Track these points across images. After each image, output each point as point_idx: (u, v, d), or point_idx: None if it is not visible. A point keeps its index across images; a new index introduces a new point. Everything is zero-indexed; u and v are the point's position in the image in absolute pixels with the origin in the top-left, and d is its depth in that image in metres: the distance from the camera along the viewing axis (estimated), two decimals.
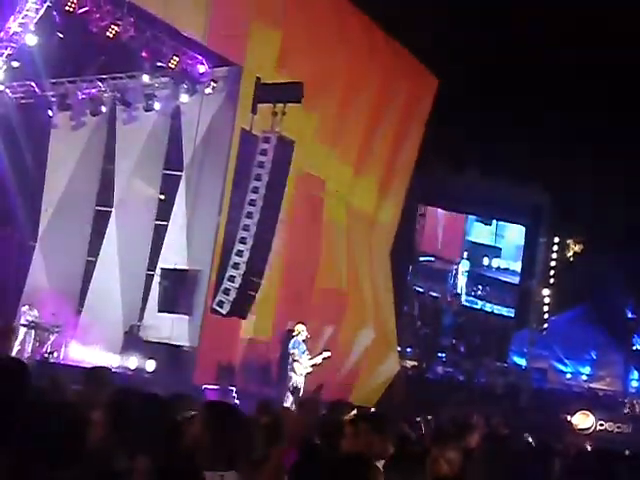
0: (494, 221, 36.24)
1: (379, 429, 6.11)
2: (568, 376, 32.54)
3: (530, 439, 12.96)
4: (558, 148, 27.24)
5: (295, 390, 17.49)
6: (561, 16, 25.75)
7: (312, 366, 17.82)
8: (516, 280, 33.71)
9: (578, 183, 27.49)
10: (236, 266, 18.48)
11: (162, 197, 22.10)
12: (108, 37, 18.09)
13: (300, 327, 18.19)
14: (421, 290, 33.09)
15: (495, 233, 36.66)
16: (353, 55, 22.73)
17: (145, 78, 20.75)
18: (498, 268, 35.89)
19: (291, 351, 17.94)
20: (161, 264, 20.63)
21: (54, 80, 21.60)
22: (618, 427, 26.44)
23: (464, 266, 35.53)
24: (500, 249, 36.42)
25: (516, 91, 27.40)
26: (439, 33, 24.96)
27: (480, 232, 36.42)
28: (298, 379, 17.63)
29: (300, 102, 18.30)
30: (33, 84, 21.88)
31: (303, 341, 18.00)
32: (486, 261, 35.94)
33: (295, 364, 17.68)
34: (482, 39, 26.38)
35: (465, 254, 35.60)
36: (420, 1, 23.87)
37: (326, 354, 18.22)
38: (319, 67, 21.08)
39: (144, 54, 19.29)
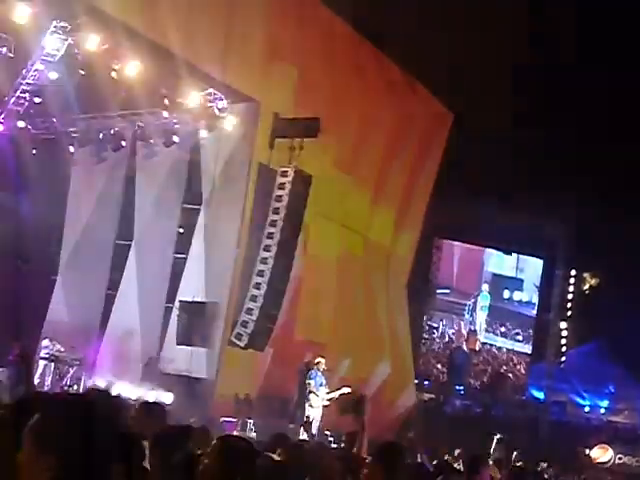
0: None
1: (393, 466, 6.19)
2: (587, 409, 32.35)
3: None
4: (575, 181, 27.27)
5: (309, 422, 17.29)
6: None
7: (329, 400, 17.62)
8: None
9: (595, 216, 27.49)
10: (254, 299, 18.66)
11: (181, 230, 22.31)
12: (129, 74, 18.34)
13: (318, 359, 18.10)
14: (436, 325, 32.86)
15: (517, 264, 35.76)
16: (369, 90, 22.98)
17: (165, 114, 20.97)
18: (520, 301, 35.05)
19: (307, 382, 17.76)
20: (180, 297, 20.78)
21: (75, 116, 21.87)
22: (637, 461, 26.25)
23: (483, 300, 34.71)
24: (522, 281, 35.43)
25: (530, 123, 27.54)
26: (454, 66, 25.19)
27: (502, 263, 35.52)
28: (313, 411, 17.36)
29: (317, 137, 18.57)
30: (54, 120, 22.16)
31: (321, 373, 17.86)
32: (507, 294, 35.06)
33: (311, 395, 17.37)
34: (497, 72, 26.59)
35: (486, 286, 34.74)
36: (435, 36, 24.13)
37: (345, 390, 17.84)
38: (336, 102, 21.32)
39: (164, 90, 19.51)
